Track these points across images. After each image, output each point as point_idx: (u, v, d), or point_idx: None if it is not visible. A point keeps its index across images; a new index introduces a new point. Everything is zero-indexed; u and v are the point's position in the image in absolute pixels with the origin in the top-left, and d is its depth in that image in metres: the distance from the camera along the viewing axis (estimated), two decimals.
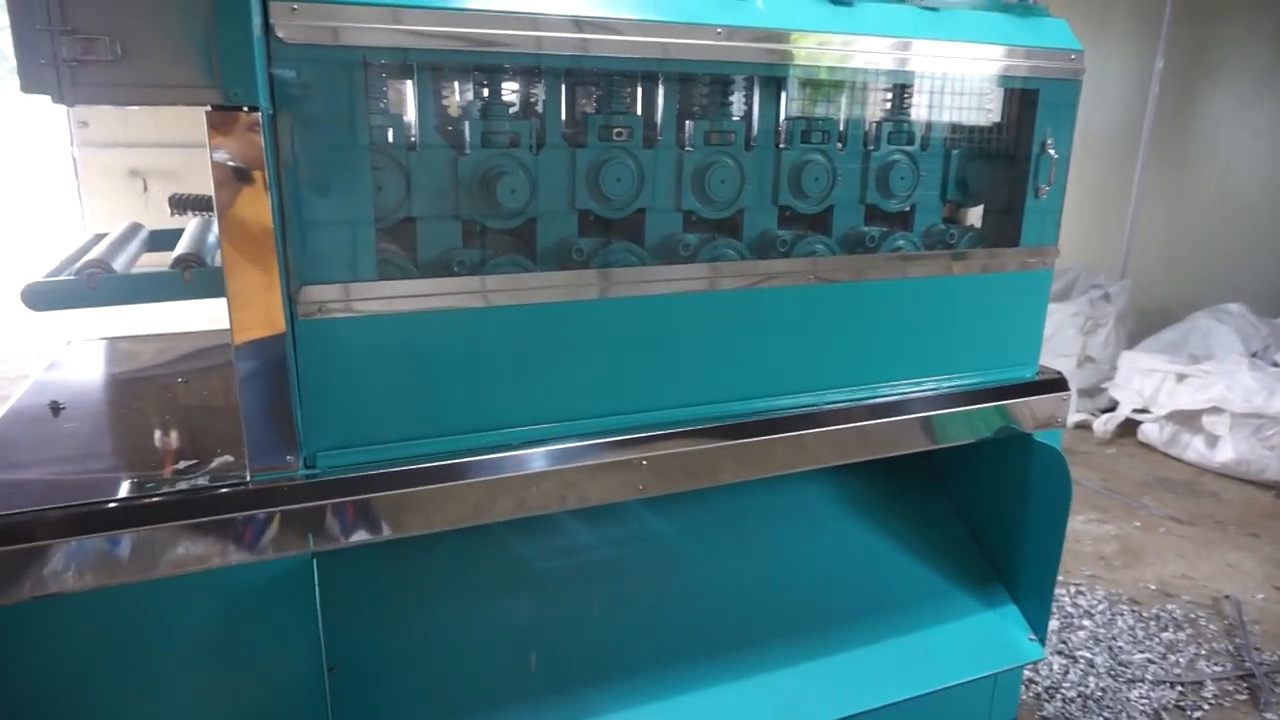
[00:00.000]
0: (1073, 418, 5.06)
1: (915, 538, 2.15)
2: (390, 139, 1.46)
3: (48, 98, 1.02)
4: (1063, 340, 5.09)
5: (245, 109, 1.19)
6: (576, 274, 1.54)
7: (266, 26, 1.22)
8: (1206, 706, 2.70)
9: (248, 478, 1.36)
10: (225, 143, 1.20)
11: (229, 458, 1.45)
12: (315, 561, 1.38)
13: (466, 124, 1.50)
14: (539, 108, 1.58)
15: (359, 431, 1.43)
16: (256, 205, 1.25)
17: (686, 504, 1.91)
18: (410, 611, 1.71)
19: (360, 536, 1.41)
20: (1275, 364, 4.54)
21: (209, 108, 1.19)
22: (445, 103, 1.62)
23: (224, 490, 1.35)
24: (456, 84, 1.66)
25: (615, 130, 1.59)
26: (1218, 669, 2.88)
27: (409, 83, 1.51)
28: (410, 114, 1.50)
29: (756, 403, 1.72)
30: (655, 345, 1.62)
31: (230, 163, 1.22)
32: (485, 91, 1.56)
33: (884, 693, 1.88)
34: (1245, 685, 2.80)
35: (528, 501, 1.53)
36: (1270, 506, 4.13)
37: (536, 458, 1.52)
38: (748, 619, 1.90)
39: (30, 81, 1.02)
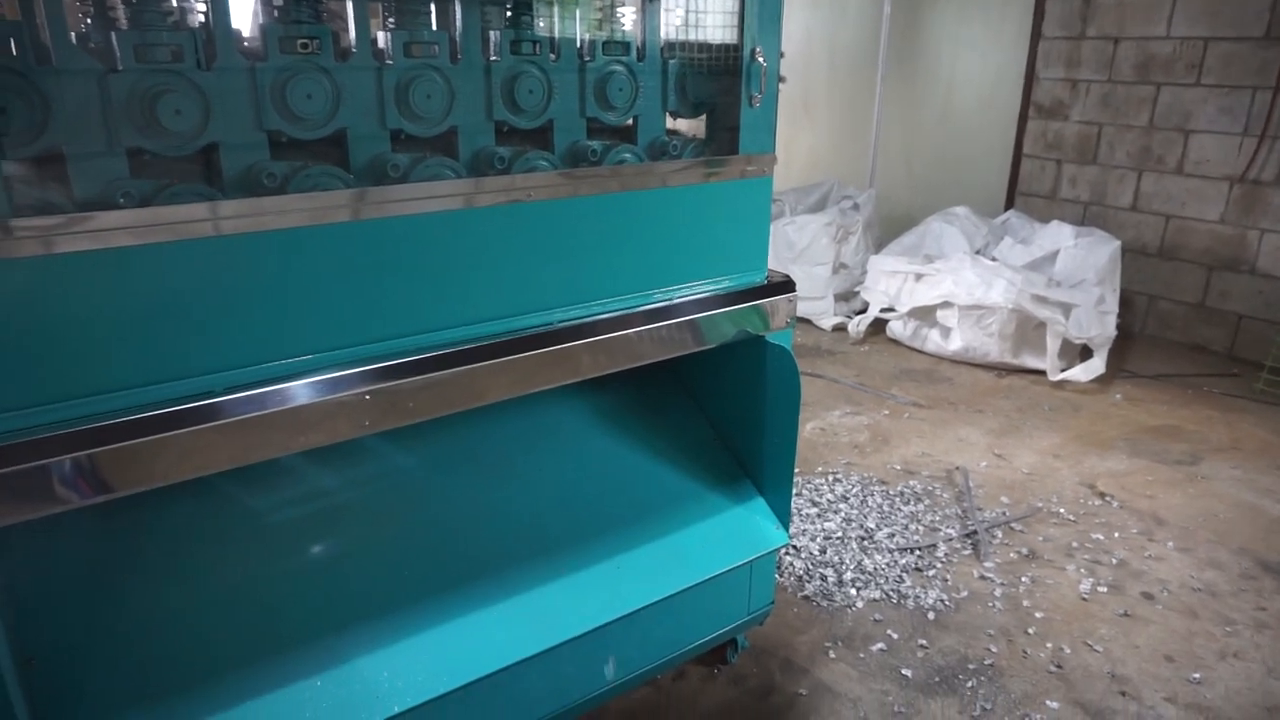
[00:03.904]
0: (831, 321, 5.45)
1: (667, 445, 2.23)
2: (14, 52, 1.25)
3: None
4: (819, 249, 5.42)
5: None
6: (271, 200, 1.41)
7: None
8: (939, 564, 3.04)
9: None
10: None
11: None
12: None
13: (114, 36, 1.32)
14: (208, 16, 1.41)
15: (25, 390, 1.25)
16: None
17: (430, 433, 1.87)
18: (127, 583, 1.56)
19: (37, 509, 1.26)
20: (993, 259, 5.08)
21: None
22: (93, 10, 1.42)
23: None
24: None
25: (301, 42, 1.46)
26: (949, 531, 3.24)
27: None
28: (41, 24, 1.29)
29: (483, 326, 1.67)
30: (371, 273, 1.53)
31: None
32: None
33: (643, 595, 1.95)
34: (970, 542, 3.18)
35: (249, 450, 1.42)
36: (992, 385, 4.67)
37: (244, 403, 1.41)
38: (504, 543, 1.89)
39: None
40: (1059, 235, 5.13)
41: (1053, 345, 4.56)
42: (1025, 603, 2.84)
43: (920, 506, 3.44)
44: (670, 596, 1.98)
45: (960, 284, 4.67)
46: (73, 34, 1.34)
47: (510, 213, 1.67)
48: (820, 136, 7.15)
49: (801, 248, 5.42)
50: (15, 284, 1.22)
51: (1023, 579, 2.96)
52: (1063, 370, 4.62)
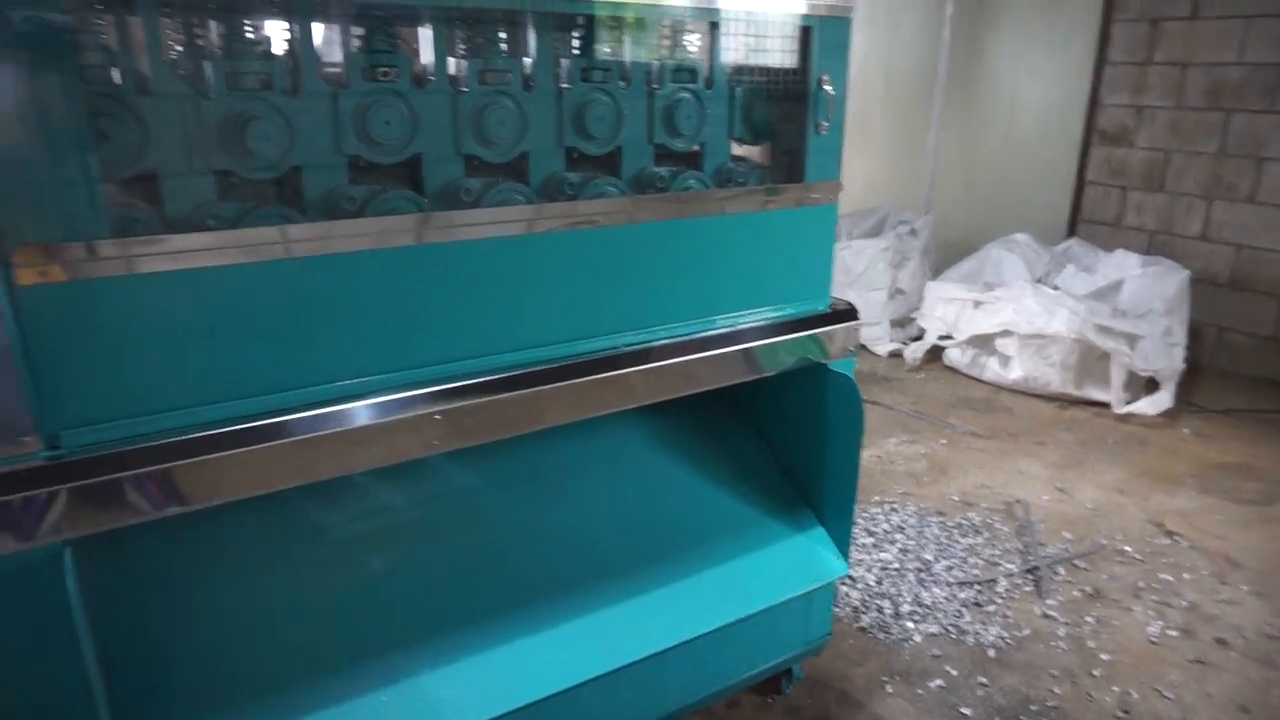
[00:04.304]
0: (886, 347, 5.38)
1: (726, 471, 2.22)
2: (118, 81, 1.31)
3: None
4: (875, 274, 5.37)
5: None
6: (350, 224, 1.45)
7: None
8: (999, 600, 2.97)
9: None
10: None
11: None
12: (68, 551, 1.26)
13: (208, 65, 1.37)
14: (293, 46, 1.46)
15: (109, 405, 1.30)
16: None
17: (491, 455, 1.88)
18: (198, 591, 1.60)
19: (120, 519, 1.30)
20: (1055, 288, 4.98)
21: None
22: (186, 41, 1.48)
23: None
24: (195, 19, 1.52)
25: (381, 70, 1.50)
26: (1009, 567, 3.16)
27: (136, 17, 1.36)
28: (141, 53, 1.35)
29: (548, 350, 1.69)
30: (442, 295, 1.56)
31: None
32: (228, 28, 1.43)
33: (701, 622, 1.94)
34: (1031, 578, 3.10)
35: (315, 466, 1.45)
36: (1053, 416, 4.56)
37: (316, 420, 1.44)
38: (564, 565, 1.90)
39: None
40: (1124, 264, 5.01)
41: (1118, 377, 4.45)
42: (1090, 644, 2.75)
43: (979, 539, 3.36)
44: (728, 624, 1.96)
45: (1021, 312, 4.58)
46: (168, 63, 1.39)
47: (577, 238, 1.68)
48: (876, 160, 7.10)
49: (857, 273, 5.38)
50: (109, 301, 1.27)
51: (1087, 619, 2.87)
52: (1128, 403, 4.49)
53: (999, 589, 3.03)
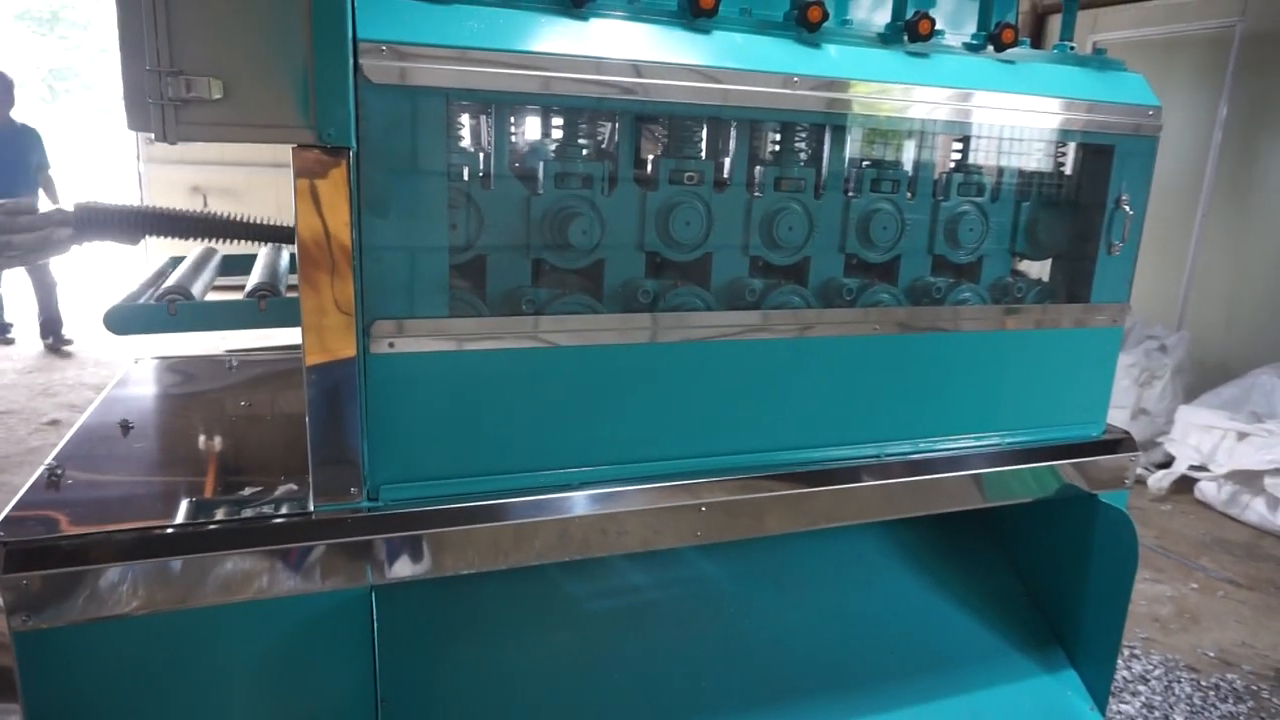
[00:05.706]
0: None
1: (970, 595, 2.10)
2: (465, 177, 1.47)
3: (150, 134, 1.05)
4: (1117, 391, 4.95)
5: (334, 148, 1.22)
6: (647, 317, 1.54)
7: (356, 67, 1.24)
8: None
9: (311, 507, 1.37)
10: (311, 179, 1.23)
11: (292, 486, 1.46)
12: (374, 594, 1.38)
13: (540, 164, 1.51)
14: (610, 149, 1.58)
15: (422, 466, 1.43)
16: (337, 240, 1.26)
17: (736, 549, 1.89)
18: (460, 647, 1.70)
19: (419, 571, 1.41)
20: None
21: (296, 144, 1.21)
22: (519, 143, 1.64)
23: (287, 519, 1.36)
24: (530, 124, 1.68)
25: (687, 174, 1.59)
26: None
27: (485, 122, 1.53)
28: (486, 153, 1.51)
29: (814, 452, 1.69)
30: (718, 390, 1.60)
31: (315, 198, 1.24)
32: (559, 133, 1.58)
33: None
34: None
35: (589, 543, 1.52)
36: None
37: (598, 500, 1.51)
38: (797, 669, 1.86)
39: (136, 119, 1.05)
40: None
41: None
42: None
43: (1242, 708, 2.95)
44: None
45: None
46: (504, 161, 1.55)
47: (847, 345, 1.69)
48: None
49: None
50: (435, 372, 1.40)
51: None
52: None
53: None
